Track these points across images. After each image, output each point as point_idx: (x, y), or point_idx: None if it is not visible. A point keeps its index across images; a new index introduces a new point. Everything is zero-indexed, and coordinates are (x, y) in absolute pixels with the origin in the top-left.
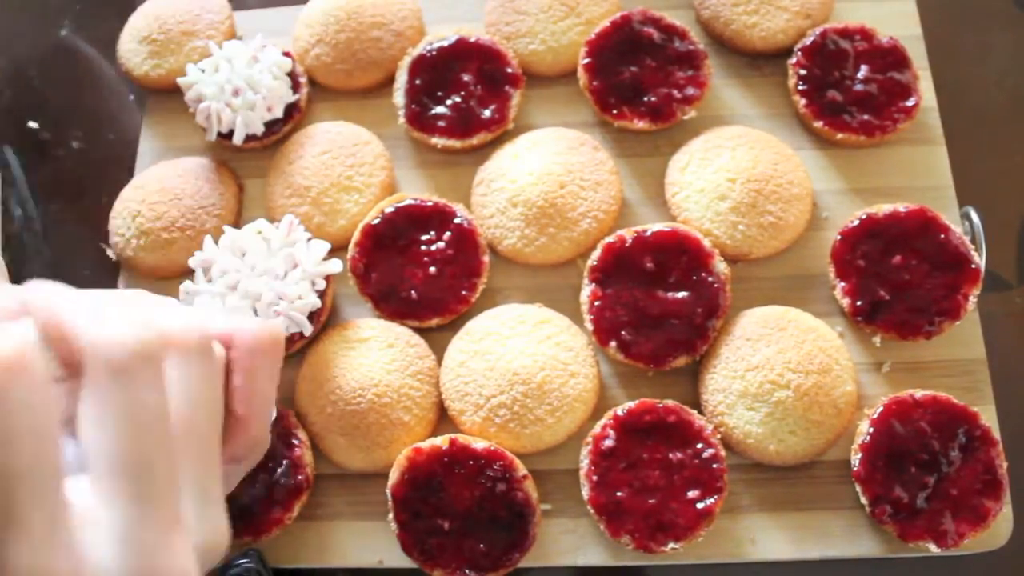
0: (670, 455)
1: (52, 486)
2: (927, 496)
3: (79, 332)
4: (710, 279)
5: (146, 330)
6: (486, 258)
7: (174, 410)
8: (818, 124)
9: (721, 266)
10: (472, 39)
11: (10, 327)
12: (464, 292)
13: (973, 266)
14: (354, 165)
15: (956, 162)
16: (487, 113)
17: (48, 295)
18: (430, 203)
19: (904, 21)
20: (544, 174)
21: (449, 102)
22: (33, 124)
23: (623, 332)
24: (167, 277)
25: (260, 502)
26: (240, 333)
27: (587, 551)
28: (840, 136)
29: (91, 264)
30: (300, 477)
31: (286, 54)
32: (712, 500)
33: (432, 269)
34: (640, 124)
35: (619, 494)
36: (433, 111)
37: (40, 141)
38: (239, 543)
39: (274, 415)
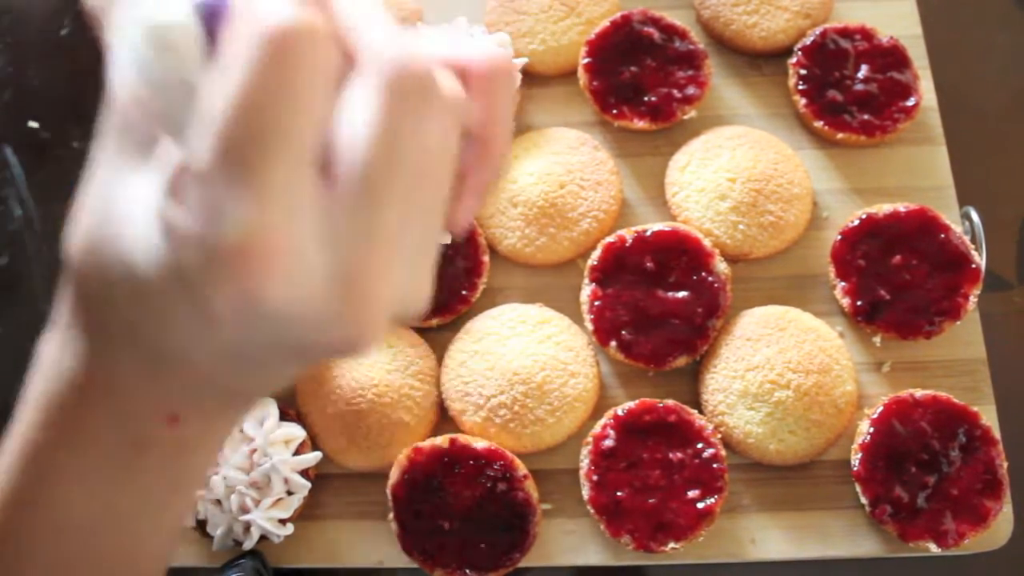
0: (670, 455)
1: (302, 159)
2: (927, 496)
3: (364, 36)
4: (710, 279)
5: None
6: (486, 258)
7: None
8: (818, 124)
9: (721, 266)
10: None
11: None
12: (464, 292)
13: (973, 266)
14: None
15: (956, 162)
16: None
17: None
18: None
19: (904, 21)
20: (544, 174)
21: None
22: (33, 124)
23: (623, 332)
24: None
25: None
26: (476, 61)
27: (587, 551)
28: (840, 136)
29: None
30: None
31: None
32: (712, 500)
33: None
34: (640, 124)
35: (619, 494)
36: None
37: (40, 141)
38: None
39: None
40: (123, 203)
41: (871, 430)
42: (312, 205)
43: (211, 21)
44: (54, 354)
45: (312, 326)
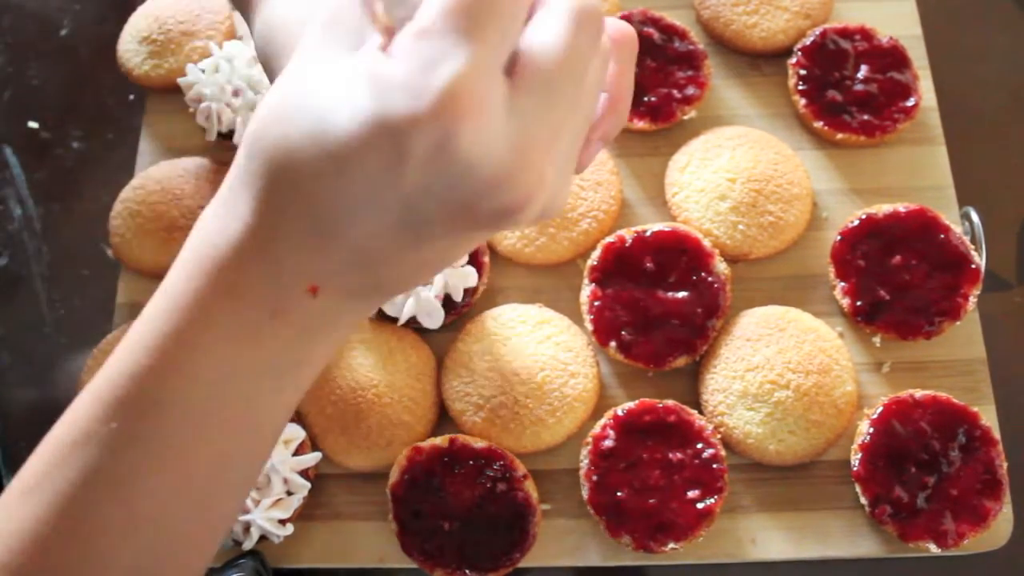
0: (670, 455)
1: (512, 37)
2: (927, 496)
3: None
4: (710, 279)
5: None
6: (486, 258)
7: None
8: (818, 124)
9: (721, 266)
10: None
11: None
12: None
13: (973, 266)
14: None
15: (956, 162)
16: None
17: None
18: None
19: (904, 21)
20: None
21: None
22: (33, 124)
23: (623, 332)
24: None
25: None
26: (615, 30)
27: (587, 551)
28: (840, 136)
29: (91, 264)
30: None
31: None
32: (712, 500)
33: None
34: (640, 124)
35: (619, 494)
36: None
37: (40, 141)
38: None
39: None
40: (328, 75)
41: (871, 430)
42: (504, 84)
43: None
44: (218, 214)
45: (487, 181)
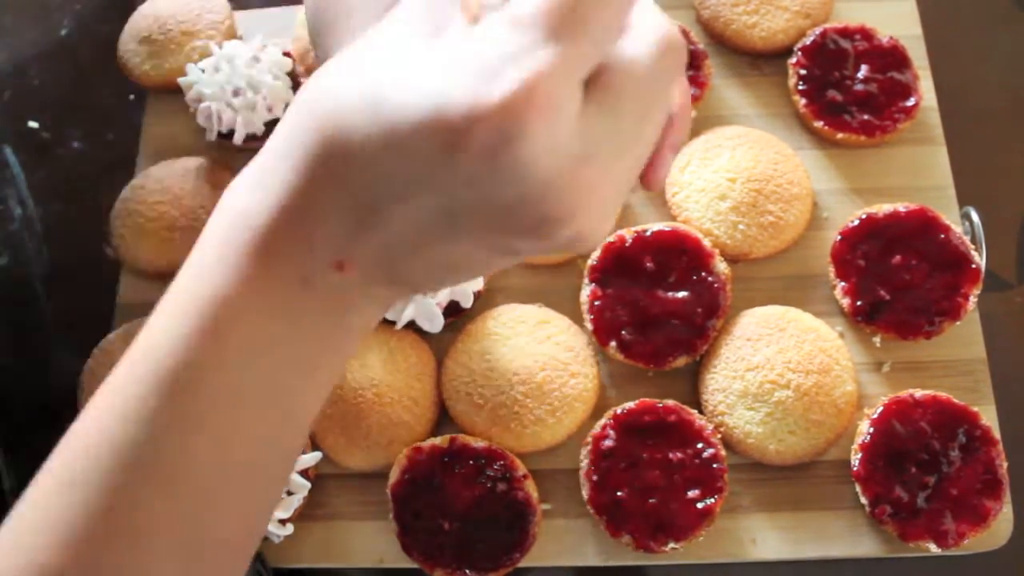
0: (670, 455)
1: (597, 52)
2: (927, 496)
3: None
4: (710, 279)
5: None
6: None
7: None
8: (818, 124)
9: (721, 266)
10: None
11: None
12: None
13: (973, 266)
14: None
15: (956, 162)
16: None
17: None
18: None
19: (904, 21)
20: None
21: None
22: (33, 124)
23: (623, 332)
24: (168, 277)
25: None
26: None
27: (587, 551)
28: (840, 136)
29: (91, 264)
30: None
31: (287, 54)
32: (712, 500)
33: None
34: None
35: (619, 494)
36: None
37: (40, 141)
38: None
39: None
40: (399, 50)
41: (871, 430)
42: (580, 94)
43: None
44: (254, 183)
45: (537, 187)
